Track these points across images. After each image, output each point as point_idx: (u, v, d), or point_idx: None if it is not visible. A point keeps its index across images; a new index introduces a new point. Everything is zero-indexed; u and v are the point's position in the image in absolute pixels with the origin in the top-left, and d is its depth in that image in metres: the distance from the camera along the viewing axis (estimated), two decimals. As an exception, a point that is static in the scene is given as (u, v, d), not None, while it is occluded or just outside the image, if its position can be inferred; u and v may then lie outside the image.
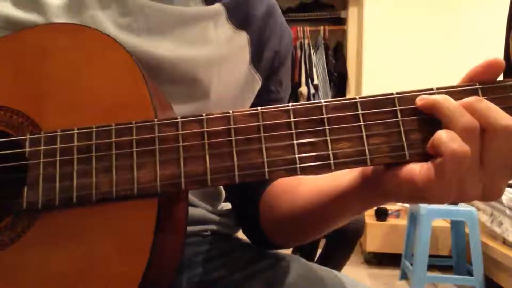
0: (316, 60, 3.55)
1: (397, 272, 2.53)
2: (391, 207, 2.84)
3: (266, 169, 0.35)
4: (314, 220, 0.47)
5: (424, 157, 0.33)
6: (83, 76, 0.40)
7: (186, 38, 0.52)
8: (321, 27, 3.60)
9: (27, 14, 0.48)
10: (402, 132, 0.34)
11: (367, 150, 0.34)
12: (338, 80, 3.54)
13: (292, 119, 0.35)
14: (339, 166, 0.35)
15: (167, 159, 0.36)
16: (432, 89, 0.35)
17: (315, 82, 3.47)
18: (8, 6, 0.48)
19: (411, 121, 0.34)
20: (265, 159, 0.35)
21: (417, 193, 0.33)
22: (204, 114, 0.36)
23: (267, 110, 0.36)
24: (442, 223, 2.61)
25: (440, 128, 0.33)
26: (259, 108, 0.36)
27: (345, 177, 0.41)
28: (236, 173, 0.35)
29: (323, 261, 1.56)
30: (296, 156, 0.35)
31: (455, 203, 2.28)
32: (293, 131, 0.35)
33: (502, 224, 2.20)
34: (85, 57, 0.41)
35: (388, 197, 0.37)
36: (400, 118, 0.35)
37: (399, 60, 3.19)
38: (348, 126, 0.35)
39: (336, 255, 1.59)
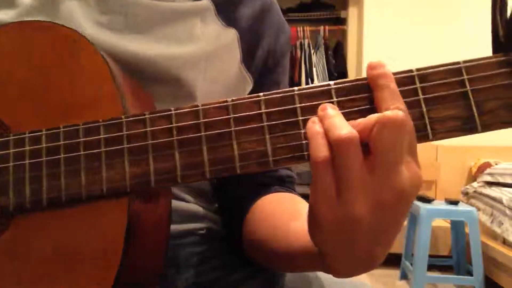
0: (316, 60, 3.55)
1: (397, 272, 2.53)
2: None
3: (238, 164, 0.33)
4: (283, 266, 0.46)
5: None
6: (52, 75, 0.39)
7: (170, 35, 0.50)
8: (321, 27, 3.59)
9: (1, 12, 0.46)
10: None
11: None
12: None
13: (264, 110, 0.34)
14: None
15: (136, 157, 0.35)
16: (411, 70, 0.33)
17: (315, 82, 3.47)
18: None
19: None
20: (237, 153, 0.33)
21: (309, 214, 0.32)
22: (172, 109, 0.35)
23: (238, 101, 0.34)
24: (442, 223, 2.61)
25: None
26: (229, 99, 0.34)
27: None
28: (207, 168, 0.34)
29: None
30: (269, 148, 0.33)
31: (449, 198, 2.28)
32: (265, 123, 0.33)
33: (502, 224, 2.20)
34: (54, 56, 0.40)
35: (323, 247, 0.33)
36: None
37: (399, 60, 3.18)
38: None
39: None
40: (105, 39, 0.46)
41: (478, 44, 3.25)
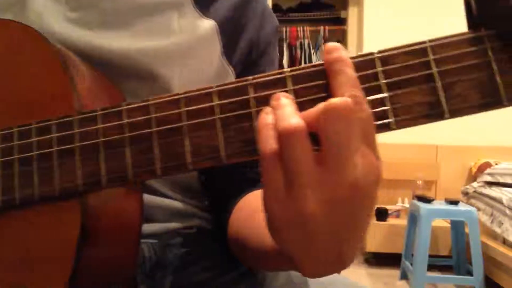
0: (316, 60, 3.55)
1: (397, 272, 2.53)
2: (391, 207, 2.84)
3: (190, 160, 0.32)
4: (263, 266, 0.45)
5: None
6: (4, 72, 0.38)
7: (144, 30, 0.48)
8: (321, 27, 3.60)
9: None
10: None
11: None
12: (338, 80, 3.54)
13: (216, 102, 0.32)
14: None
15: (88, 156, 0.33)
16: (372, 53, 0.30)
17: (315, 82, 3.47)
18: None
19: None
20: (188, 149, 0.32)
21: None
22: (123, 105, 0.34)
23: (190, 94, 0.32)
24: (442, 223, 2.61)
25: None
26: (181, 92, 0.33)
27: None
28: (158, 166, 0.32)
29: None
30: (221, 143, 0.31)
31: (449, 198, 2.28)
32: (217, 116, 0.31)
33: (502, 224, 2.20)
34: (6, 52, 0.39)
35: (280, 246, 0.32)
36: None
37: (399, 60, 3.19)
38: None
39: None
40: (77, 35, 0.45)
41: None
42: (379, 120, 0.29)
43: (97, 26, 0.47)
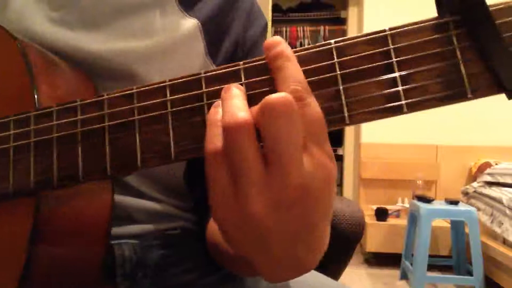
0: (316, 60, 3.55)
1: (397, 272, 2.53)
2: (391, 207, 2.84)
3: (139, 157, 0.30)
4: (237, 269, 0.44)
5: None
6: None
7: (124, 30, 0.47)
8: (321, 27, 3.60)
9: None
10: None
11: None
12: (338, 80, 3.54)
13: (169, 98, 0.30)
14: None
15: (40, 153, 0.32)
16: (330, 43, 0.28)
17: (315, 82, 3.47)
18: None
19: None
20: (138, 146, 0.30)
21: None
22: (78, 101, 0.33)
23: (143, 88, 0.31)
24: (442, 223, 2.61)
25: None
26: (134, 87, 0.32)
27: None
28: (108, 164, 0.31)
29: (321, 265, 1.55)
30: (171, 140, 0.29)
31: (449, 198, 2.28)
32: (169, 110, 0.30)
33: (502, 224, 2.20)
34: None
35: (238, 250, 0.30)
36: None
37: (399, 60, 3.19)
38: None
39: (334, 260, 1.59)
40: (57, 36, 0.45)
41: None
42: (333, 115, 0.27)
43: (77, 26, 0.46)
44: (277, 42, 0.28)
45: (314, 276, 0.52)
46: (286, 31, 3.61)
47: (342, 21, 3.64)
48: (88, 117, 0.32)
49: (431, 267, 2.31)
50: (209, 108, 0.28)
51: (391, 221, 2.77)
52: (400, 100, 0.27)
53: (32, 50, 0.38)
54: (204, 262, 0.51)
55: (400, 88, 0.27)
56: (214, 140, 0.26)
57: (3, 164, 0.33)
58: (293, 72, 0.27)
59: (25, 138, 0.33)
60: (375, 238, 2.70)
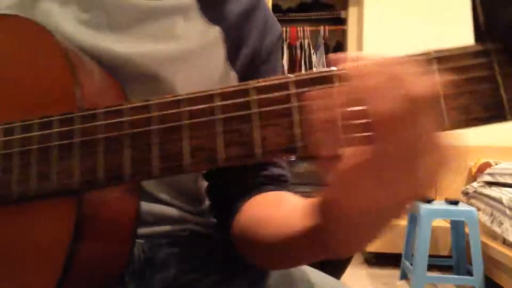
0: (316, 60, 3.55)
1: (397, 272, 2.53)
2: (391, 207, 2.84)
3: (187, 161, 0.31)
4: (280, 259, 0.45)
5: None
6: (11, 68, 0.38)
7: (149, 33, 0.49)
8: (321, 27, 3.60)
9: None
10: None
11: (298, 137, 0.30)
12: (338, 80, 3.54)
13: (217, 104, 0.31)
14: (266, 156, 0.30)
15: (86, 153, 0.33)
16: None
17: (315, 82, 3.47)
18: None
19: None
20: (186, 150, 0.31)
21: (332, 210, 0.30)
22: (126, 104, 0.33)
23: (192, 95, 0.32)
24: (442, 223, 2.61)
25: None
26: (183, 94, 0.33)
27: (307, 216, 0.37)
28: (156, 166, 0.32)
29: (323, 264, 1.55)
30: (220, 145, 0.31)
31: (449, 198, 2.28)
32: (217, 116, 0.31)
33: (502, 224, 2.20)
34: (12, 48, 0.39)
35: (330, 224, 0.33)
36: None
37: (399, 60, 3.19)
38: (278, 109, 0.30)
39: (335, 260, 1.59)
40: (85, 37, 0.46)
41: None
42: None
43: (105, 28, 0.47)
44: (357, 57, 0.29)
45: (319, 275, 0.53)
46: (286, 31, 3.60)
47: (342, 21, 3.64)
48: (136, 120, 0.33)
49: (431, 267, 2.31)
50: (258, 116, 0.30)
51: (391, 221, 2.77)
52: (443, 118, 0.29)
53: (70, 49, 0.39)
54: (209, 262, 0.52)
55: (443, 108, 0.28)
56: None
57: (45, 162, 0.34)
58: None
59: (70, 137, 0.34)
60: (375, 238, 2.69)
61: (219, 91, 0.32)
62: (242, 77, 0.54)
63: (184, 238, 0.53)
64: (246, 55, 0.55)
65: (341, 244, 0.34)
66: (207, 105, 0.32)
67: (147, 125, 0.32)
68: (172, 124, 0.32)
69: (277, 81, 0.31)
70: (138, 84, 0.47)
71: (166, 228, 0.52)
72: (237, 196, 0.50)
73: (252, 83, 0.31)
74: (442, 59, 0.29)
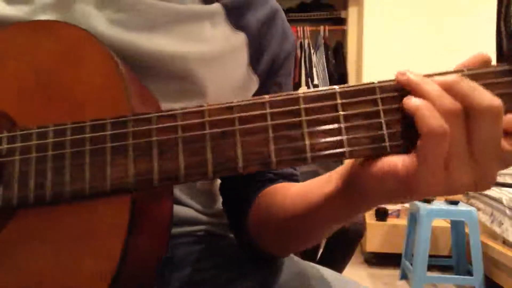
0: (316, 60, 3.55)
1: (397, 272, 2.53)
2: (391, 207, 2.84)
3: (241, 164, 0.33)
4: (302, 229, 0.46)
5: (406, 149, 0.32)
6: (59, 72, 0.40)
7: (181, 35, 0.51)
8: (321, 27, 3.60)
9: (14, 10, 0.48)
10: (383, 122, 0.33)
11: (345, 142, 0.33)
12: (338, 80, 3.54)
13: (268, 111, 0.34)
14: (316, 159, 0.33)
15: (140, 154, 0.35)
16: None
17: (315, 82, 3.47)
18: (1, 4, 0.48)
19: (392, 111, 0.33)
20: (240, 153, 0.33)
21: (401, 185, 0.32)
22: (178, 109, 0.35)
23: (243, 102, 0.35)
24: (442, 223, 2.61)
25: None
26: (234, 101, 0.35)
27: (330, 182, 0.40)
28: (210, 168, 0.34)
29: (324, 262, 1.56)
30: (272, 149, 0.33)
31: (449, 198, 2.28)
32: (269, 122, 0.34)
33: (502, 224, 2.20)
34: (61, 53, 0.40)
35: (371, 197, 0.35)
36: (381, 107, 0.33)
37: (399, 60, 3.19)
38: (326, 116, 0.33)
39: (336, 256, 1.59)
40: (119, 36, 0.48)
41: (479, 45, 3.25)
42: None
43: (136, 28, 0.49)
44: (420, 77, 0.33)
45: (331, 273, 0.54)
46: (286, 31, 3.60)
47: (342, 21, 3.64)
48: (189, 124, 0.35)
49: (431, 267, 2.31)
50: (307, 123, 0.33)
51: (391, 221, 2.77)
52: None
53: (113, 54, 0.40)
54: (224, 260, 0.55)
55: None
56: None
57: (100, 163, 0.35)
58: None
59: (123, 139, 0.35)
60: (375, 238, 2.70)
61: (269, 99, 0.34)
62: (263, 81, 0.58)
63: (200, 237, 0.56)
64: (267, 61, 0.58)
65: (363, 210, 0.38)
66: (258, 112, 0.34)
67: (201, 130, 0.34)
68: (225, 129, 0.34)
69: (324, 92, 0.34)
70: (168, 83, 0.50)
71: (185, 229, 0.54)
72: (250, 192, 0.53)
73: (300, 93, 0.34)
74: (473, 77, 0.32)
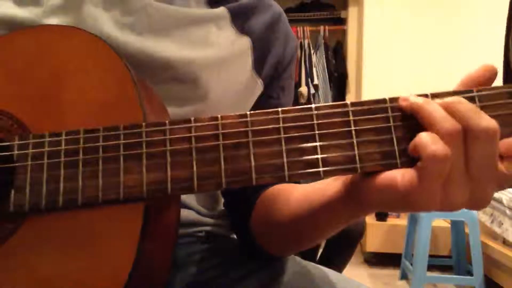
0: (316, 60, 3.55)
1: (397, 272, 2.53)
2: (391, 207, 2.84)
3: (254, 175, 0.34)
4: (303, 230, 0.46)
5: (414, 164, 0.32)
6: (72, 78, 0.40)
7: (187, 39, 0.52)
8: (321, 27, 3.59)
9: (24, 12, 0.48)
10: (394, 139, 0.33)
11: (357, 157, 0.33)
12: (338, 80, 3.54)
13: (281, 125, 0.35)
14: (328, 174, 0.34)
15: (154, 164, 0.35)
16: (426, 95, 0.34)
17: (315, 82, 3.47)
18: (10, 5, 0.48)
19: (403, 127, 0.33)
20: (253, 165, 0.34)
21: (399, 199, 0.32)
22: (192, 119, 0.36)
23: (256, 114, 0.35)
24: (442, 223, 2.61)
25: None
26: (248, 112, 0.35)
27: (331, 186, 0.40)
28: (223, 179, 0.34)
29: (324, 262, 1.56)
30: (285, 162, 0.34)
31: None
32: (282, 135, 0.34)
33: (502, 224, 2.20)
34: (74, 59, 0.41)
35: (371, 206, 0.36)
36: (392, 124, 0.34)
37: (399, 60, 3.19)
38: (338, 132, 0.34)
39: (337, 256, 1.59)
40: (128, 40, 0.48)
41: (479, 45, 3.25)
42: None
43: (144, 31, 0.50)
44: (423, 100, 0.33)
45: (335, 274, 0.55)
46: (286, 31, 3.60)
47: (342, 21, 3.64)
48: (202, 135, 0.35)
49: (431, 267, 2.31)
50: (319, 137, 0.34)
51: (391, 221, 2.77)
52: None
53: (125, 60, 0.40)
54: (227, 260, 0.55)
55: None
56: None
57: (113, 170, 0.35)
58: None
59: (137, 148, 0.36)
60: (375, 238, 2.70)
61: (282, 112, 0.35)
62: (267, 85, 0.58)
63: (203, 238, 0.56)
64: (271, 64, 0.59)
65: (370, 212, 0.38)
66: (271, 126, 0.35)
67: (215, 140, 0.35)
68: (239, 140, 0.35)
69: (338, 109, 0.35)
70: (171, 87, 0.50)
71: (186, 230, 0.55)
72: (253, 192, 0.53)
73: (313, 108, 0.35)
74: (482, 97, 0.33)
